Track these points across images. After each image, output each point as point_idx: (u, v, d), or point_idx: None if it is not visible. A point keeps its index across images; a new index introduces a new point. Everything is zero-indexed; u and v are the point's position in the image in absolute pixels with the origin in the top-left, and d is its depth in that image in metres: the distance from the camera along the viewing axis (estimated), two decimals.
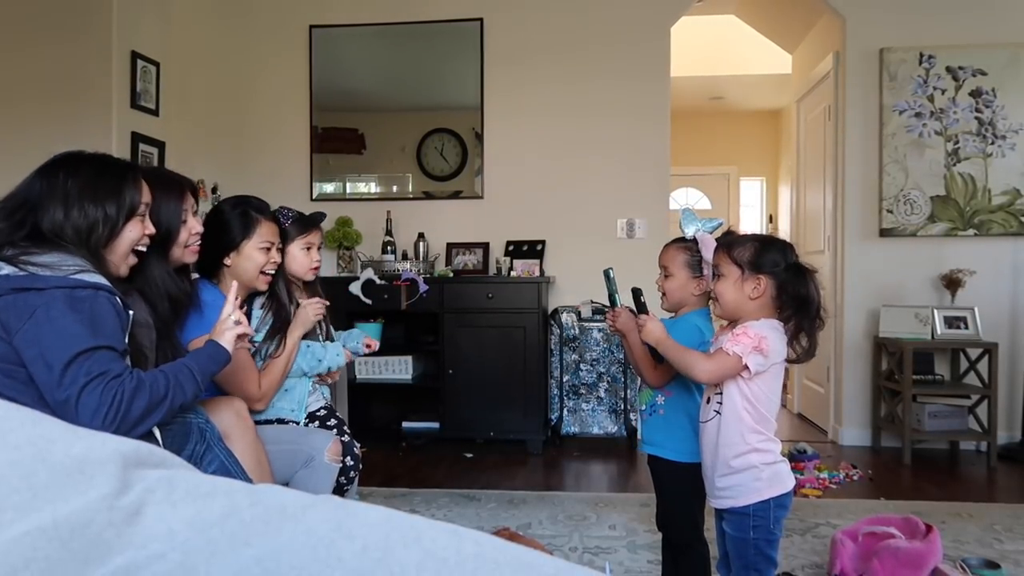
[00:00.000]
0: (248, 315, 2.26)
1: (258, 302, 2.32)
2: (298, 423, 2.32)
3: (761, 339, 1.70)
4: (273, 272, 2.27)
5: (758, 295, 1.75)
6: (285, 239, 2.34)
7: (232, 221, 2.21)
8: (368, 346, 2.54)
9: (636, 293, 1.98)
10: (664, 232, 4.39)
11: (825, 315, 1.78)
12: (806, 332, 1.76)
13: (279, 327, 2.27)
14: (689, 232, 1.96)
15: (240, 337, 1.81)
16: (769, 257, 1.76)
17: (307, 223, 2.42)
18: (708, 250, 1.91)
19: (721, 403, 1.77)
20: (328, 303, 2.42)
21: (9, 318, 1.45)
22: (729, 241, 1.84)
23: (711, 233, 1.96)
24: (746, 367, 1.69)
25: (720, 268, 1.81)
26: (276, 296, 2.31)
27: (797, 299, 1.74)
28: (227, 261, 2.21)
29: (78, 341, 1.44)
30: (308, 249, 2.41)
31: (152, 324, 1.83)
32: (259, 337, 2.23)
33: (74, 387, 1.42)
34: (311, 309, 2.31)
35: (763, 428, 1.76)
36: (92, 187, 1.61)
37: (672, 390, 2.02)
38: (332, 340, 2.55)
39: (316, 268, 2.44)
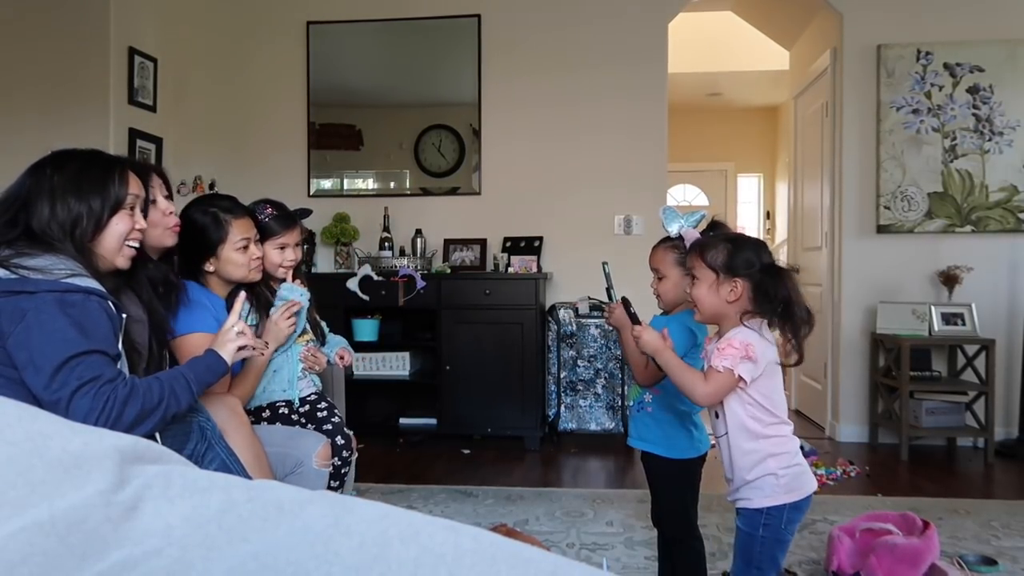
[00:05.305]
0: None
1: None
2: (293, 402, 2.29)
3: (747, 346, 1.65)
4: (260, 263, 2.22)
5: (735, 298, 1.70)
6: (263, 235, 2.28)
7: (204, 227, 2.14)
8: (341, 358, 2.46)
9: (626, 304, 1.92)
10: (662, 229, 4.38)
11: (808, 316, 1.70)
12: (791, 335, 1.69)
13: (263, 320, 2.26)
14: (673, 230, 1.95)
15: (241, 348, 1.80)
16: (742, 258, 1.71)
17: (284, 224, 2.33)
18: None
19: (726, 420, 1.72)
20: (308, 294, 2.32)
21: (1, 322, 1.45)
22: (702, 244, 1.78)
23: (695, 227, 1.95)
24: (740, 378, 1.65)
25: (695, 272, 1.76)
26: (256, 293, 2.26)
27: (774, 301, 1.68)
28: (208, 267, 2.16)
29: (69, 345, 1.43)
30: (282, 248, 2.33)
31: (145, 320, 1.82)
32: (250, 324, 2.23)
33: (65, 390, 1.42)
34: (283, 323, 2.20)
35: (774, 430, 1.71)
36: (76, 182, 1.62)
37: (661, 389, 2.02)
38: (322, 334, 2.51)
39: (289, 267, 2.35)
